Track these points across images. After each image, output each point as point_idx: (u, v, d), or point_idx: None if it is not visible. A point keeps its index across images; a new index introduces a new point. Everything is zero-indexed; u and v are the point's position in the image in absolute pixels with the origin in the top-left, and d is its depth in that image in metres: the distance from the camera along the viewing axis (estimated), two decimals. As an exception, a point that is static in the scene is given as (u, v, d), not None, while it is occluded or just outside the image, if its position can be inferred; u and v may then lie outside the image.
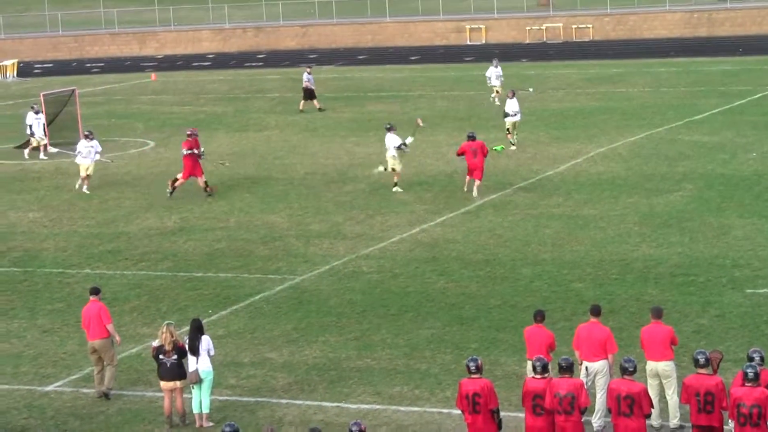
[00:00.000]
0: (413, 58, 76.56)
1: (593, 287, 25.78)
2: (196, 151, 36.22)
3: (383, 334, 23.66)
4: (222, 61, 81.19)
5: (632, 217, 31.54)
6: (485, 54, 74.43)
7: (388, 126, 36.24)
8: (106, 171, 39.23)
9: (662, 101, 51.63)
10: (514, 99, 42.33)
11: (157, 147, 46.65)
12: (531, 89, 54.92)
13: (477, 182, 34.49)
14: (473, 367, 17.20)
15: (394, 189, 35.73)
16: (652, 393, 18.18)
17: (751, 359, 16.71)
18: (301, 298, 26.24)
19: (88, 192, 37.50)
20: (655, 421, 18.49)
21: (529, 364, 18.89)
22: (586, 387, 17.34)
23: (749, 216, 31.02)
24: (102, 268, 29.45)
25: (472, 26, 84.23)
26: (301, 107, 53.87)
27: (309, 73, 54.22)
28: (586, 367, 18.70)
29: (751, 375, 16.23)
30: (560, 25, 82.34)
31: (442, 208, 33.55)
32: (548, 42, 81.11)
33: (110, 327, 21.09)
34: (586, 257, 28.08)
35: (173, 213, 34.74)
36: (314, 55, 78.98)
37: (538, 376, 17.13)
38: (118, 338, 21.39)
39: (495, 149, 37.89)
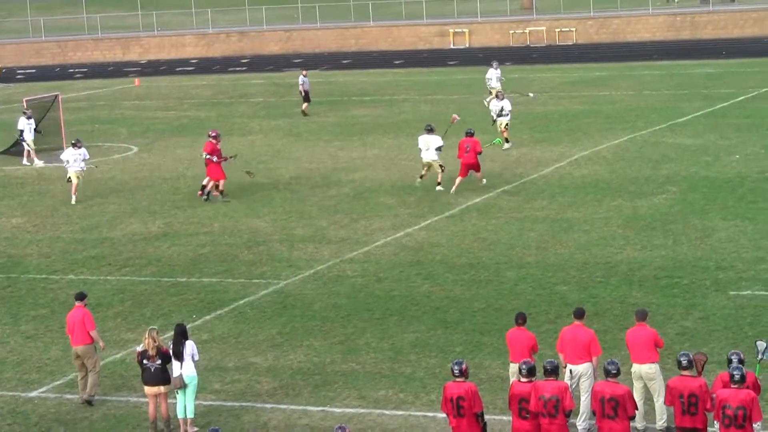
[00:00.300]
0: (397, 62, 76.61)
1: (577, 290, 25.80)
2: (215, 159, 36.23)
3: (368, 338, 23.65)
4: (205, 66, 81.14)
5: (616, 219, 31.58)
6: (469, 58, 74.63)
7: (429, 127, 36.24)
8: (89, 177, 39.09)
9: (645, 104, 51.72)
10: (505, 99, 43.18)
11: (140, 152, 46.57)
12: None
13: (478, 174, 35.56)
14: (457, 371, 17.18)
15: (437, 188, 35.88)
16: (637, 395, 18.21)
17: (730, 361, 16.73)
18: (286, 303, 26.21)
19: (75, 203, 37.14)
20: (639, 423, 18.50)
21: (512, 366, 18.92)
22: (570, 390, 17.34)
23: (732, 218, 31.08)
24: (86, 274, 29.38)
25: (456, 30, 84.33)
26: (302, 108, 53.80)
27: (305, 76, 54.12)
28: (570, 370, 18.72)
29: (737, 377, 16.24)
30: (543, 28, 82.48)
31: (427, 212, 33.56)
32: (532, 45, 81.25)
33: (94, 333, 21.05)
34: (571, 260, 28.10)
35: (157, 218, 34.69)
36: (298, 60, 78.98)
37: (525, 380, 17.10)
38: (102, 344, 21.34)
39: (494, 143, 38.58)
